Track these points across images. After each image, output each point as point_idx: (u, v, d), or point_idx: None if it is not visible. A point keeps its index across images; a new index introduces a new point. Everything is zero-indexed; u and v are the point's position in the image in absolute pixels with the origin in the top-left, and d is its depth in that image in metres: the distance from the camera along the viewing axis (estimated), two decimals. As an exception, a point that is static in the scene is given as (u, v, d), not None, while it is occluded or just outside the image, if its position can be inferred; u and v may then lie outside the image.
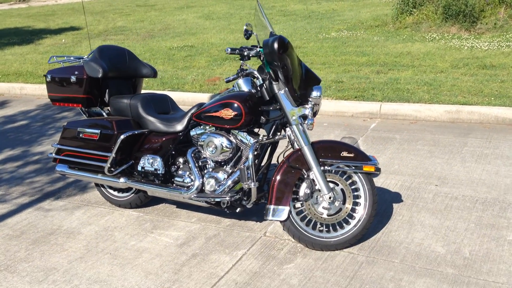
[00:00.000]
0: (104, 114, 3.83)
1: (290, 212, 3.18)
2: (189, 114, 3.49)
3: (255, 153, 3.31)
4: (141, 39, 11.95)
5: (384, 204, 3.76)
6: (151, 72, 3.97)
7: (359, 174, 3.19)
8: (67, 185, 4.42)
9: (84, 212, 3.93)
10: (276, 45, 2.99)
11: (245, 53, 3.20)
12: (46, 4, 23.68)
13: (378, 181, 4.13)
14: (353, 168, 3.17)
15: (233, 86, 3.40)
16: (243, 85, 3.33)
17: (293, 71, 3.11)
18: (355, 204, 3.23)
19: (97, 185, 4.02)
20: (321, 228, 3.24)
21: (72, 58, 3.96)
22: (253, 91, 3.28)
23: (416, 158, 4.56)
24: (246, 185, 3.17)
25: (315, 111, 3.27)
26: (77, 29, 14.52)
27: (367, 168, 3.15)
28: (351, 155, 3.17)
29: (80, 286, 2.99)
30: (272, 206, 3.18)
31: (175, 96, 5.79)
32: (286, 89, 3.12)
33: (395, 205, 3.74)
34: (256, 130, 3.44)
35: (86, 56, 3.88)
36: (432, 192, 3.90)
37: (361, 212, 3.20)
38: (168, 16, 15.94)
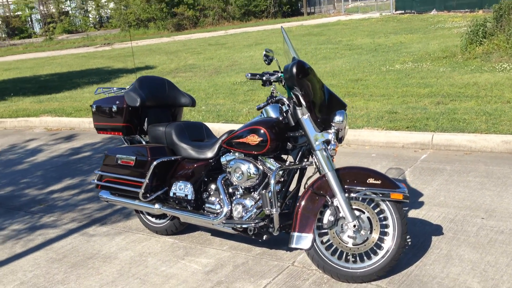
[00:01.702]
0: (143, 142, 3.98)
1: (314, 240, 3.11)
2: (220, 141, 3.54)
3: (281, 179, 3.30)
4: (207, 76, 12.35)
5: (422, 237, 3.58)
6: (190, 101, 4.09)
7: (387, 202, 3.07)
8: (114, 212, 4.58)
9: (124, 238, 4.05)
10: (295, 70, 3.00)
11: (265, 78, 3.22)
12: (127, 46, 25.14)
13: (420, 213, 3.96)
14: (380, 195, 3.06)
15: (261, 113, 3.43)
16: (271, 112, 3.36)
17: (314, 96, 3.09)
18: (383, 233, 3.10)
19: (137, 211, 4.14)
20: (347, 258, 3.13)
21: (115, 89, 4.18)
22: (280, 117, 3.29)
23: (464, 190, 4.32)
24: (268, 211, 3.15)
25: (341, 136, 3.22)
26: (151, 68, 15.24)
27: (395, 196, 3.03)
28: (378, 182, 3.07)
29: (106, 308, 3.07)
30: (295, 234, 3.13)
31: (228, 127, 5.89)
32: (309, 114, 3.10)
33: (434, 238, 3.55)
34: (284, 156, 3.44)
35: (128, 87, 4.07)
36: (477, 225, 3.67)
37: (389, 242, 3.06)
38: (237, 53, 16.39)
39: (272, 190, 3.14)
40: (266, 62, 3.21)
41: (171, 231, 3.98)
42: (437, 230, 3.66)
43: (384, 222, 3.11)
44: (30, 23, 43.94)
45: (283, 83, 3.21)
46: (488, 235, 3.51)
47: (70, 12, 43.44)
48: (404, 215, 3.08)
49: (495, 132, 5.34)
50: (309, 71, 3.10)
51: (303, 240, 3.10)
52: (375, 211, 3.12)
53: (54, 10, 41.60)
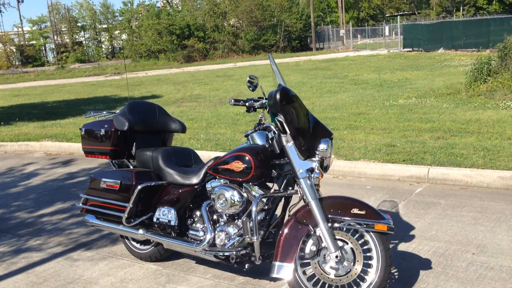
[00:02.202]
0: (131, 166, 3.94)
1: (296, 270, 3.03)
2: (206, 167, 3.50)
3: (265, 207, 3.25)
4: (212, 106, 12.41)
5: (410, 271, 3.48)
6: (180, 127, 4.08)
7: (371, 233, 3.00)
8: (101, 237, 4.52)
9: (107, 264, 3.98)
10: (278, 96, 2.98)
11: (248, 104, 3.20)
12: (137, 76, 25.49)
13: (410, 246, 3.86)
14: (364, 226, 2.98)
15: (247, 140, 3.40)
16: (257, 139, 3.33)
17: (298, 123, 3.06)
18: (367, 265, 3.01)
19: (122, 237, 4.08)
20: (329, 290, 3.04)
21: (104, 113, 4.17)
22: (266, 145, 3.25)
23: (457, 224, 4.23)
24: (248, 239, 3.08)
25: (326, 165, 3.17)
26: (157, 97, 15.36)
27: (379, 227, 2.96)
28: (362, 212, 3.00)
29: (79, 334, 2.99)
30: (277, 263, 3.05)
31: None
32: (293, 141, 3.06)
33: (422, 272, 3.45)
34: (270, 184, 3.39)
35: (118, 111, 4.06)
36: (467, 261, 3.57)
37: (372, 274, 2.97)
38: (243, 85, 16.51)
39: (253, 217, 3.08)
40: (251, 89, 3.19)
41: (155, 258, 3.90)
42: (426, 264, 3.56)
43: (368, 254, 3.02)
44: (44, 51, 44.78)
45: (267, 109, 3.18)
46: (477, 271, 3.41)
47: (83, 42, 44.27)
48: (388, 247, 3.00)
49: (492, 168, 5.26)
50: (294, 98, 3.08)
51: (284, 270, 3.02)
52: (359, 242, 3.04)
53: (68, 40, 42.41)
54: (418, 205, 4.75)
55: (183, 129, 4.09)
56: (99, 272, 3.85)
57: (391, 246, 3.90)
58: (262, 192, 3.24)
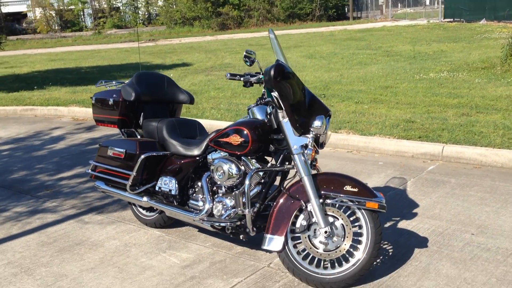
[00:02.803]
0: (138, 136, 4.05)
1: (286, 243, 3.09)
2: (207, 139, 3.57)
3: (261, 181, 3.30)
4: (239, 75, 12.40)
5: (405, 248, 3.50)
6: (188, 99, 4.14)
7: (362, 210, 3.02)
8: (112, 202, 4.68)
9: (115, 228, 4.14)
10: (273, 72, 2.99)
11: (243, 79, 3.22)
12: (170, 43, 25.60)
13: (410, 224, 3.87)
14: (356, 203, 3.01)
15: (248, 113, 3.43)
16: (257, 113, 3.36)
17: (293, 99, 3.07)
18: (357, 242, 3.05)
19: (129, 203, 4.22)
20: (318, 264, 3.10)
21: (114, 82, 4.26)
22: (266, 120, 3.29)
23: (463, 204, 4.20)
24: (240, 211, 3.16)
25: (322, 142, 3.19)
26: (187, 65, 15.45)
27: (370, 205, 2.98)
28: (355, 189, 3.02)
29: (79, 293, 3.15)
30: (268, 235, 3.12)
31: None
32: (288, 118, 3.09)
33: (416, 250, 3.46)
34: (269, 158, 3.43)
35: (126, 82, 4.15)
36: (465, 241, 3.56)
37: (361, 251, 3.01)
38: (273, 54, 16.36)
39: (246, 191, 3.14)
40: (248, 64, 3.20)
41: (159, 224, 4.04)
42: (422, 242, 3.57)
43: (358, 231, 3.06)
44: (82, 17, 45.34)
45: (264, 85, 3.20)
46: (473, 251, 3.40)
47: (120, 8, 44.58)
48: (379, 225, 3.03)
49: (508, 148, 5.15)
50: (289, 74, 3.08)
51: (275, 242, 3.09)
52: (351, 219, 3.08)
53: (105, 6, 42.79)
54: (427, 183, 4.72)
55: (191, 101, 4.15)
56: (106, 235, 4.01)
57: (391, 223, 3.93)
58: (259, 166, 3.30)
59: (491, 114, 6.77)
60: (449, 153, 5.27)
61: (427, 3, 33.77)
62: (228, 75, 3.22)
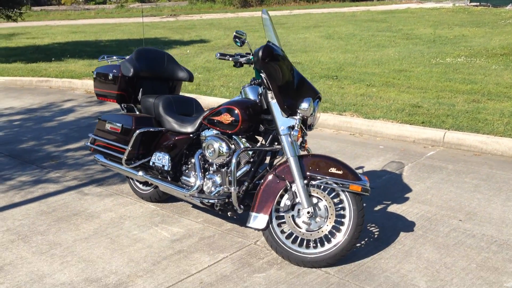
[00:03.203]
0: (136, 111, 4.13)
1: (270, 221, 3.16)
2: (201, 117, 3.63)
3: (250, 160, 3.36)
4: (254, 54, 12.39)
5: (391, 231, 3.55)
6: (187, 76, 4.19)
7: (346, 193, 3.07)
8: (113, 176, 4.80)
9: (112, 200, 4.26)
10: (261, 54, 3.03)
11: (231, 59, 3.26)
12: (191, 19, 25.55)
13: (400, 208, 3.91)
14: (340, 185, 3.05)
15: (240, 93, 3.48)
16: (249, 93, 3.41)
17: (281, 81, 3.11)
18: (339, 223, 3.11)
19: (128, 177, 4.32)
20: (301, 243, 3.16)
21: (114, 57, 4.34)
22: (257, 100, 3.33)
23: (456, 190, 4.21)
24: (226, 189, 3.23)
25: (309, 123, 3.23)
26: (205, 42, 15.46)
27: (354, 188, 3.03)
28: (340, 172, 3.07)
29: (70, 262, 3.28)
30: (253, 213, 3.19)
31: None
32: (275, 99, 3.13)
33: (402, 234, 3.51)
34: (260, 138, 3.49)
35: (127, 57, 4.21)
36: (451, 227, 3.58)
37: (343, 232, 3.07)
38: (292, 34, 16.31)
39: (232, 169, 3.21)
40: (238, 44, 3.24)
41: (154, 199, 4.14)
42: (409, 226, 3.61)
43: (341, 212, 3.11)
44: (106, -11, 45.32)
45: (253, 65, 3.23)
46: (457, 237, 3.43)
47: (145, -19, 44.40)
48: (361, 208, 3.08)
49: (510, 136, 5.11)
50: (278, 56, 3.11)
51: (259, 220, 3.16)
52: (335, 200, 3.13)
53: (129, -22, 42.66)
54: (424, 168, 4.73)
55: (190, 78, 4.21)
56: (103, 207, 4.13)
57: (382, 207, 3.97)
58: (248, 145, 3.36)
59: (502, 102, 6.69)
60: (450, 139, 5.26)
61: (454, -15, 32.96)
62: (218, 54, 3.26)
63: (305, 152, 3.38)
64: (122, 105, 4.20)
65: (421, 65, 9.89)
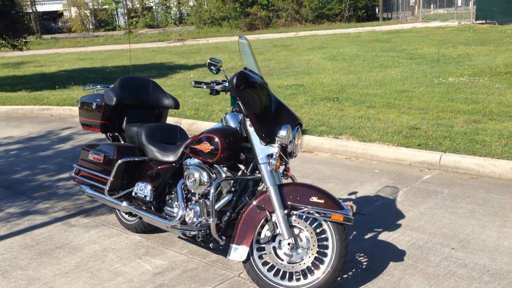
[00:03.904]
0: (121, 140, 4.07)
1: (251, 253, 3.06)
2: (184, 145, 3.56)
3: (232, 189, 3.28)
4: (256, 77, 12.37)
5: (380, 261, 3.42)
6: (173, 103, 4.14)
7: (328, 223, 2.96)
8: (101, 206, 4.72)
9: (98, 232, 4.17)
10: (235, 81, 2.96)
11: (206, 87, 3.19)
12: (197, 43, 25.77)
13: (391, 236, 3.78)
14: (322, 215, 2.95)
15: (221, 120, 3.41)
16: (230, 121, 3.34)
17: (258, 108, 3.03)
18: (323, 254, 2.99)
19: (113, 207, 4.24)
20: (283, 276, 3.05)
21: (99, 86, 4.30)
22: (238, 128, 3.26)
23: (450, 216, 4.07)
24: (204, 220, 3.14)
25: (290, 151, 3.14)
26: (209, 66, 15.48)
27: (335, 217, 2.92)
28: (321, 201, 2.97)
29: (47, 297, 3.19)
30: (233, 245, 3.09)
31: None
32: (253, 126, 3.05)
33: (391, 264, 3.38)
34: (243, 166, 3.40)
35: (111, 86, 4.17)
36: (442, 256, 3.45)
37: (326, 263, 2.95)
38: (296, 56, 16.33)
39: (211, 199, 3.12)
40: (214, 72, 3.18)
41: (140, 229, 4.05)
42: (399, 256, 3.48)
43: (324, 243, 3.00)
44: (116, 16, 46.12)
45: (229, 93, 3.17)
46: (448, 267, 3.29)
47: (153, 7, 45.14)
48: (345, 238, 2.96)
49: (508, 158, 4.98)
50: (254, 83, 3.04)
51: (239, 252, 3.06)
52: (317, 230, 3.02)
53: (138, 5, 43.41)
54: (418, 193, 4.60)
55: (176, 105, 4.15)
56: (88, 239, 4.05)
57: (373, 234, 3.84)
58: (229, 174, 3.27)
59: (503, 122, 6.56)
60: (446, 162, 5.13)
61: (459, 4, 33.02)
62: (193, 83, 3.20)
63: (289, 180, 3.29)
64: (108, 134, 4.15)
65: (423, 85, 9.80)
